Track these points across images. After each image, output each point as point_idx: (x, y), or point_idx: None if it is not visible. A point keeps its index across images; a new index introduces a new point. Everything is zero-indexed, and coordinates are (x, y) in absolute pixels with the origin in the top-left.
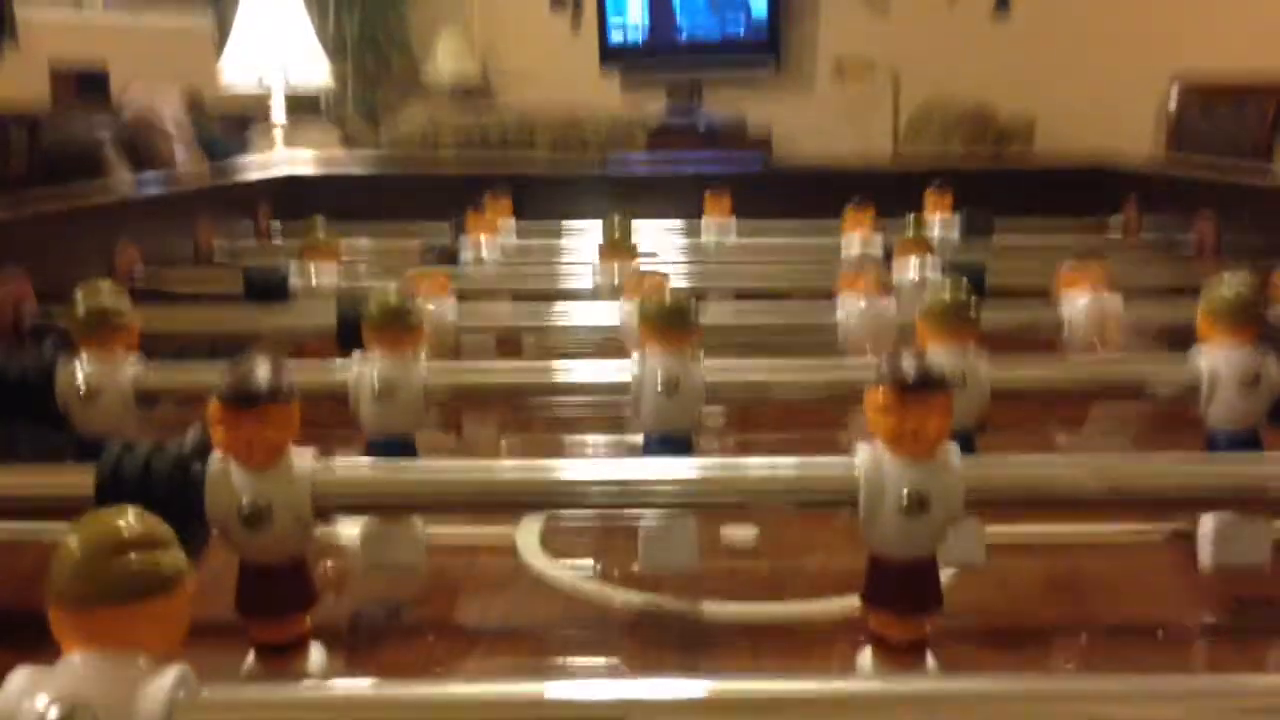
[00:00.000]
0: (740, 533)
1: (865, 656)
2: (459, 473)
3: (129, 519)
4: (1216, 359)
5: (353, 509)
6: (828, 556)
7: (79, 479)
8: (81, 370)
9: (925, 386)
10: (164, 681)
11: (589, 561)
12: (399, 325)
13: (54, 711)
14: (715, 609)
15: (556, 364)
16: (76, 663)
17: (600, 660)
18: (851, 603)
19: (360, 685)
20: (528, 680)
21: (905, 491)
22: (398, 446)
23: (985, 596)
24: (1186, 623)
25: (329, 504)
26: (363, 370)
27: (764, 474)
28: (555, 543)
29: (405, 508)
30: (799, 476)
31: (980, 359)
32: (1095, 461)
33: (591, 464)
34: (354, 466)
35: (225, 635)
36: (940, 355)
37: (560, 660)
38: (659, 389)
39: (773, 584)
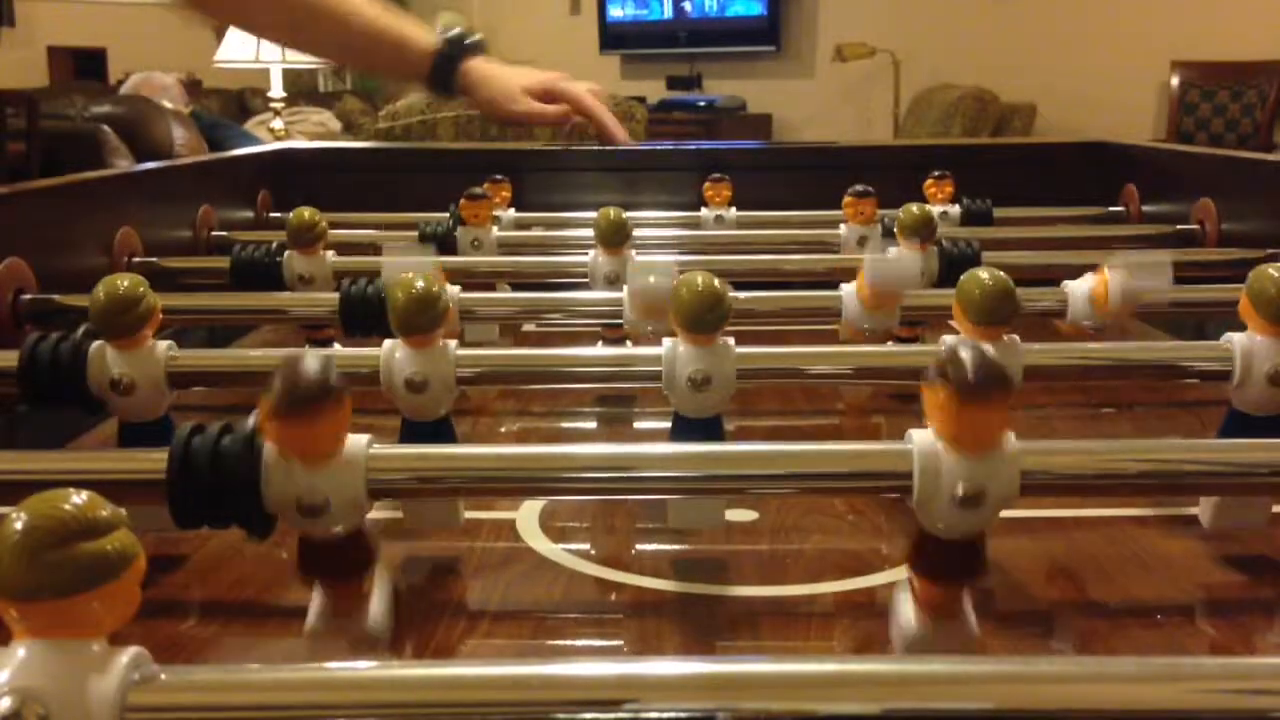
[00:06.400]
0: (740, 515)
1: (907, 607)
2: (506, 457)
3: (74, 502)
4: (1253, 346)
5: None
6: (826, 539)
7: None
8: (111, 357)
9: (988, 388)
10: (117, 665)
11: (587, 543)
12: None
13: (2, 704)
14: (716, 590)
15: (586, 349)
16: (24, 651)
17: (601, 642)
18: (850, 585)
19: (326, 668)
20: (525, 663)
21: (961, 488)
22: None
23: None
24: (1186, 604)
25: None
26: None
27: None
28: (553, 524)
29: (452, 490)
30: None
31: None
32: (1148, 445)
33: (641, 449)
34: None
35: (225, 620)
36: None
37: (560, 642)
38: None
39: (773, 566)
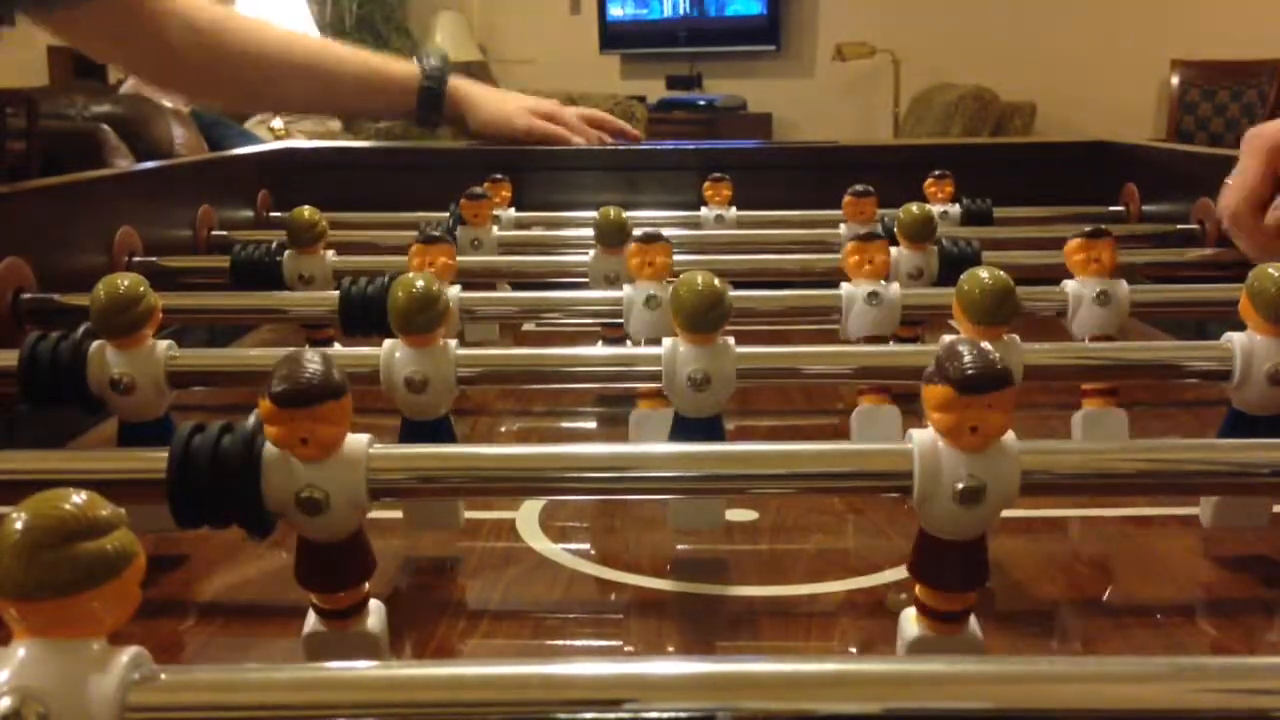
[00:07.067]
0: (740, 515)
1: (910, 621)
2: (504, 457)
3: (74, 502)
4: (1253, 346)
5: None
6: (826, 539)
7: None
8: (111, 356)
9: (987, 384)
10: (117, 665)
11: (587, 543)
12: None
13: (2, 704)
14: (716, 590)
15: (586, 349)
16: (24, 650)
17: (601, 642)
18: (850, 585)
19: (326, 668)
20: (525, 663)
21: (962, 482)
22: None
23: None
24: (1186, 604)
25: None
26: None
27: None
28: (553, 523)
29: (452, 490)
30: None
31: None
32: (1149, 444)
33: (641, 449)
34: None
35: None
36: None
37: (560, 642)
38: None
39: (773, 566)
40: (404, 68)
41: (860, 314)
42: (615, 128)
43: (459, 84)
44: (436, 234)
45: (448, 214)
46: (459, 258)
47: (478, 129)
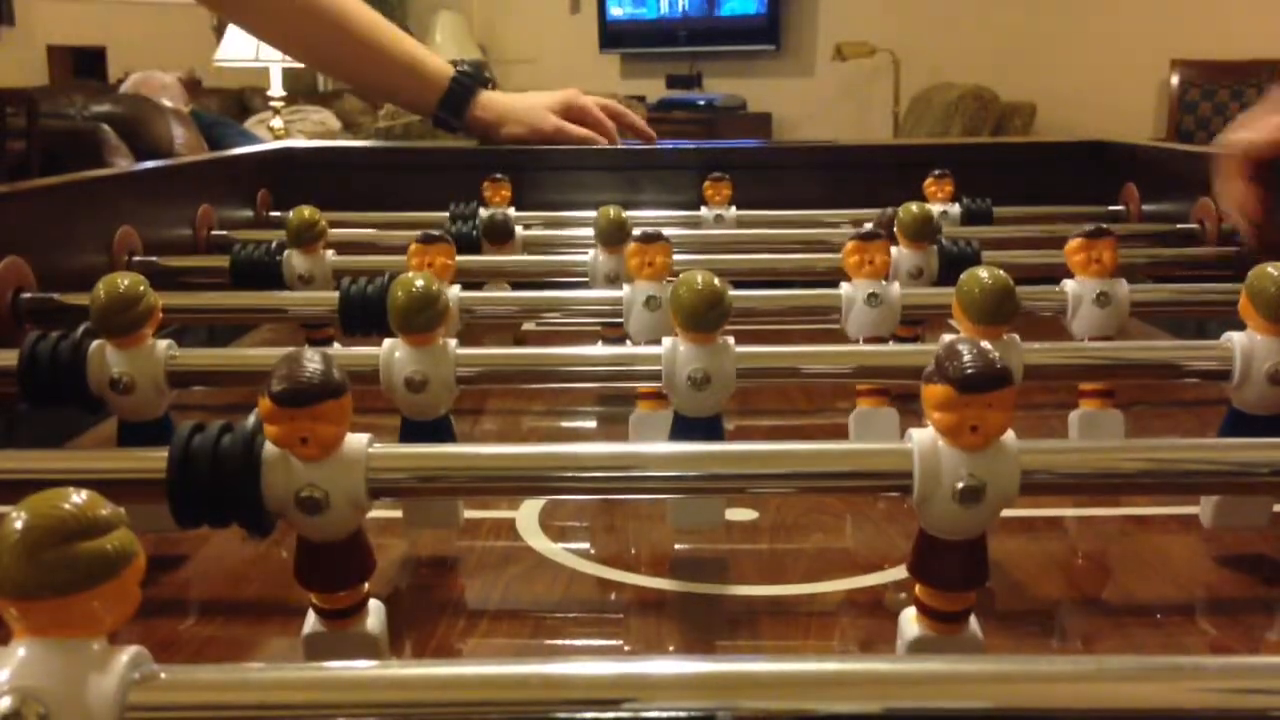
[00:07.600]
0: (740, 515)
1: (910, 621)
2: (504, 456)
3: (74, 501)
4: (1253, 345)
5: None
6: (826, 538)
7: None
8: (111, 356)
9: (987, 384)
10: (117, 664)
11: (587, 542)
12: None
13: (2, 703)
14: (716, 590)
15: (586, 349)
16: (24, 650)
17: (601, 641)
18: (850, 585)
19: (326, 668)
20: (525, 662)
21: (962, 481)
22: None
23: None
24: (1186, 604)
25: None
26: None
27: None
28: (553, 523)
29: (452, 490)
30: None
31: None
32: (1149, 444)
33: (641, 448)
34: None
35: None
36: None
37: (560, 641)
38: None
39: (773, 565)
40: (439, 62)
41: (860, 314)
42: (629, 122)
43: (486, 93)
44: (436, 234)
45: (447, 214)
46: (460, 258)
47: (512, 128)
